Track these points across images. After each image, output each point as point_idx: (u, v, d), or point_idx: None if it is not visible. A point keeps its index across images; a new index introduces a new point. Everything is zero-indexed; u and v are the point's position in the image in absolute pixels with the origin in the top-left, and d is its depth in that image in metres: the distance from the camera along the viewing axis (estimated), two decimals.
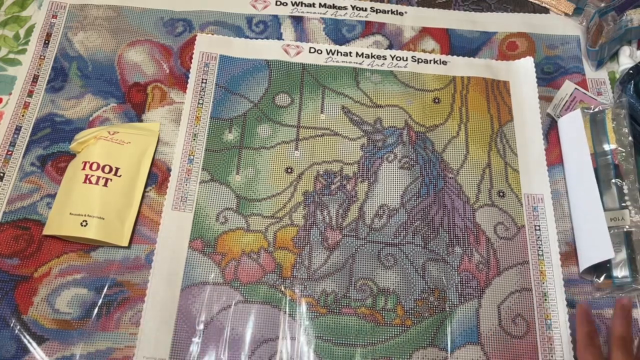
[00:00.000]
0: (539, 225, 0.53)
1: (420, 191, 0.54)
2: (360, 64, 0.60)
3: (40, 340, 0.46)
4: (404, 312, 0.49)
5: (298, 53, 0.60)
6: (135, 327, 0.47)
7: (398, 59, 0.60)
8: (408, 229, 0.52)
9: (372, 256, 0.51)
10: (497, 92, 0.59)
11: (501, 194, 0.54)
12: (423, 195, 0.54)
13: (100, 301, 0.48)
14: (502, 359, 0.47)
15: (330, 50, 0.60)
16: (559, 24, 0.65)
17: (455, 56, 0.61)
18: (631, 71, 0.55)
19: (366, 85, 0.59)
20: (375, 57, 0.60)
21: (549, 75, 0.61)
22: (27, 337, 0.46)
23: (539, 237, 0.52)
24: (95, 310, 0.48)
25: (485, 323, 0.48)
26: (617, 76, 0.60)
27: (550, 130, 0.58)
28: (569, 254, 0.52)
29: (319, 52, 0.60)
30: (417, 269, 0.50)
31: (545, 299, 0.50)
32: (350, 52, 0.60)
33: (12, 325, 0.47)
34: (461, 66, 0.61)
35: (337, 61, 0.60)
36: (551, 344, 0.48)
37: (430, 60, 0.61)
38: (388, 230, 0.52)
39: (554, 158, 0.56)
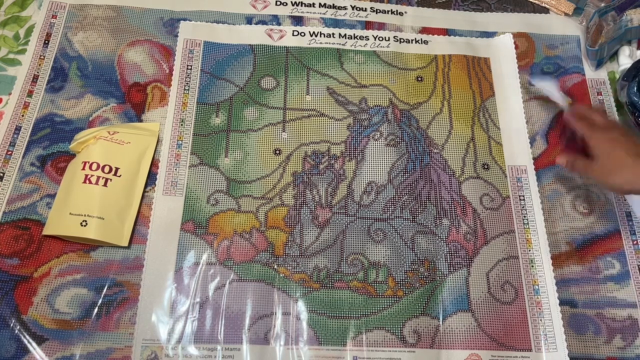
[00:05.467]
0: (523, 195, 0.54)
1: (406, 167, 0.55)
2: (344, 44, 0.61)
3: (40, 340, 0.46)
4: (395, 284, 0.50)
5: (281, 37, 0.61)
6: (134, 327, 0.47)
7: (380, 39, 0.61)
8: (396, 204, 0.53)
9: (362, 231, 0.52)
10: (478, 69, 0.60)
11: (486, 166, 0.55)
12: (410, 171, 0.55)
13: (100, 301, 0.48)
14: (493, 325, 0.48)
15: (313, 32, 0.61)
16: (559, 24, 0.65)
17: (436, 35, 0.62)
18: (637, 65, 0.56)
19: (350, 66, 0.60)
20: (358, 37, 0.61)
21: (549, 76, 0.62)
22: (27, 337, 0.46)
23: (523, 207, 0.54)
24: (95, 310, 0.48)
25: (475, 291, 0.50)
26: (617, 76, 0.61)
27: (550, 131, 0.58)
28: (570, 254, 0.52)
29: (302, 34, 0.61)
30: (406, 241, 0.51)
31: (532, 266, 0.51)
32: (333, 34, 0.61)
33: (12, 325, 0.47)
34: (442, 45, 0.62)
35: (321, 43, 0.61)
36: (540, 308, 0.49)
37: (412, 40, 0.62)
38: (377, 206, 0.53)
39: (553, 159, 0.56)
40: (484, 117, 0.58)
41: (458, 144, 0.56)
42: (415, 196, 0.54)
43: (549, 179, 0.56)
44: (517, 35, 0.63)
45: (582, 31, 0.64)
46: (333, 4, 0.64)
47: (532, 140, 0.57)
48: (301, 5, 0.64)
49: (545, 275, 0.50)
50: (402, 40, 0.62)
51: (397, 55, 0.61)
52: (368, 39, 0.61)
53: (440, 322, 0.48)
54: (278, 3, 0.64)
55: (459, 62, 0.61)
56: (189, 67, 0.58)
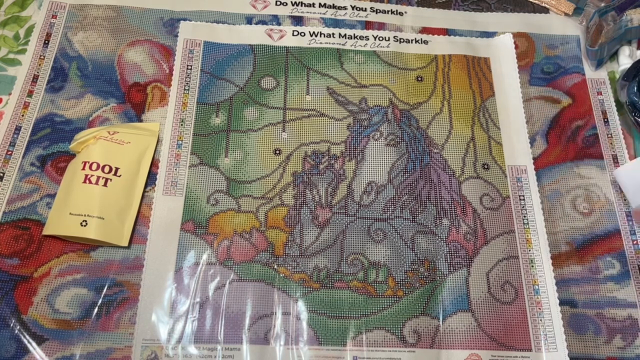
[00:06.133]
0: (523, 195, 0.54)
1: (406, 167, 0.55)
2: (344, 44, 0.61)
3: (40, 340, 0.46)
4: (395, 284, 0.50)
5: (282, 37, 0.61)
6: (134, 327, 0.47)
7: (380, 39, 0.61)
8: (396, 204, 0.53)
9: (362, 231, 0.52)
10: (478, 69, 0.60)
11: (485, 166, 0.55)
12: (410, 171, 0.55)
13: (100, 301, 0.48)
14: (493, 325, 0.48)
15: (313, 32, 0.61)
16: (559, 24, 0.65)
17: (436, 35, 0.62)
18: (637, 65, 0.56)
19: (350, 66, 0.60)
20: (358, 37, 0.61)
21: (549, 75, 0.61)
22: (27, 337, 0.46)
23: (523, 207, 0.54)
24: (95, 310, 0.48)
25: (475, 291, 0.50)
26: (617, 76, 0.61)
27: (550, 131, 0.58)
28: (570, 254, 0.52)
29: (302, 34, 0.61)
30: (406, 241, 0.52)
31: (532, 266, 0.51)
32: (333, 34, 0.61)
33: (11, 325, 0.47)
34: (442, 44, 0.62)
35: (321, 43, 0.61)
36: (540, 308, 0.49)
37: (412, 40, 0.62)
38: (377, 206, 0.53)
39: (553, 159, 0.57)
40: (484, 117, 0.58)
41: (458, 144, 0.56)
42: (415, 196, 0.54)
43: (549, 179, 0.56)
44: (517, 35, 0.63)
45: (582, 31, 0.64)
46: (333, 4, 0.64)
47: (532, 140, 0.57)
48: (301, 5, 0.64)
49: (545, 275, 0.50)
50: (402, 40, 0.62)
51: (397, 55, 0.61)
52: (368, 39, 0.61)
53: (440, 322, 0.48)
54: (278, 3, 0.64)
55: (459, 62, 0.61)
56: (189, 67, 0.58)
